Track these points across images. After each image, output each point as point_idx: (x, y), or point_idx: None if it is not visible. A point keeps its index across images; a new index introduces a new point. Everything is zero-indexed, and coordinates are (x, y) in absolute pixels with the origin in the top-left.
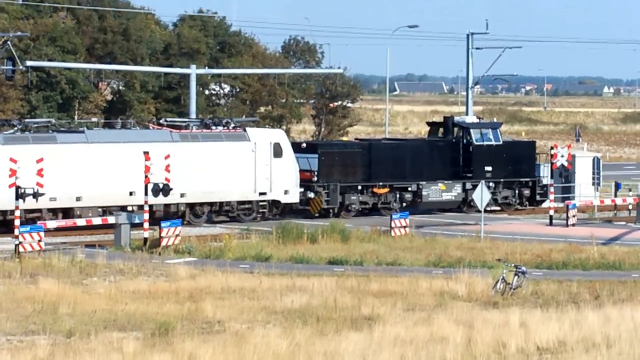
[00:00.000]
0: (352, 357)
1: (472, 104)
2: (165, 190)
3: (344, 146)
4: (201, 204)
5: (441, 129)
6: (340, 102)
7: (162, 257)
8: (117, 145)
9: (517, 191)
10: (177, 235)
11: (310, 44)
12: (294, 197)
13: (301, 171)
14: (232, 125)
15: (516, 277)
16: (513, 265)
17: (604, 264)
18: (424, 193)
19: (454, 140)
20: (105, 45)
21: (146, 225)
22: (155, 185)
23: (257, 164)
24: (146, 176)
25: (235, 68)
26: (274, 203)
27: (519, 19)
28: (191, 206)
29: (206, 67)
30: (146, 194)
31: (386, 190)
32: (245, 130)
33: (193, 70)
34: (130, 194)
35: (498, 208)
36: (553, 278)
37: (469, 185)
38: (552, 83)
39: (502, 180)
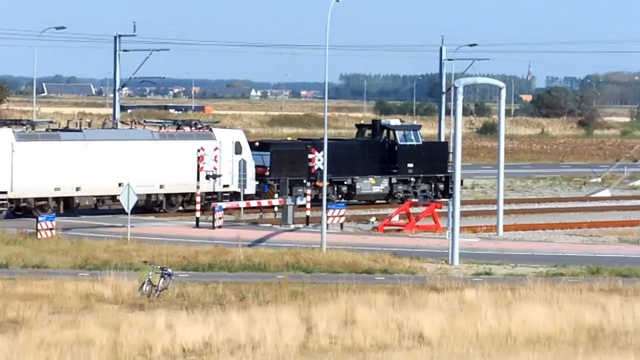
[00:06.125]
0: None
1: (120, 106)
2: None
3: (291, 145)
4: (176, 195)
5: (368, 131)
6: None
7: None
8: (109, 142)
9: (433, 185)
10: None
11: None
12: (250, 189)
13: (256, 167)
14: (199, 125)
15: (162, 279)
16: (159, 267)
17: (250, 265)
18: (357, 186)
19: (381, 140)
20: None
21: None
22: None
23: (222, 160)
24: None
25: None
26: (235, 194)
27: (168, 22)
28: (167, 196)
29: None
30: None
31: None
32: (211, 130)
33: None
34: (119, 185)
35: (416, 200)
36: (199, 280)
37: (394, 180)
38: (200, 86)
39: (421, 175)
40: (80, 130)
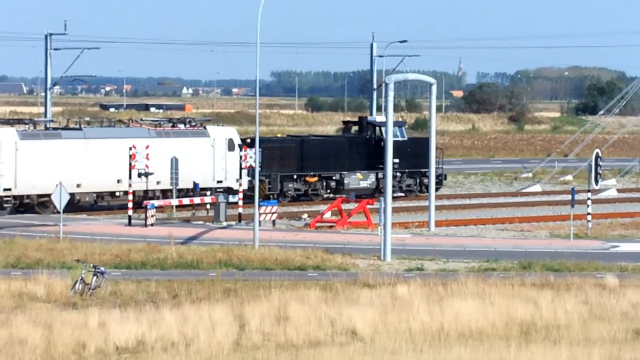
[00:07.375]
0: None
1: (52, 105)
2: None
3: (282, 141)
4: (172, 190)
5: (354, 127)
6: None
7: None
8: (108, 140)
9: (418, 180)
10: None
11: None
12: (243, 184)
13: None
14: (193, 123)
15: (95, 277)
16: (92, 265)
17: (182, 263)
18: (345, 181)
19: (367, 136)
20: None
21: None
22: None
23: (215, 157)
24: None
25: None
26: (228, 189)
27: (99, 20)
28: (164, 192)
29: None
30: None
31: (315, 179)
32: (205, 128)
33: None
34: (118, 181)
35: (402, 194)
36: (132, 278)
37: (380, 175)
38: (131, 84)
39: (406, 170)
40: (81, 129)
